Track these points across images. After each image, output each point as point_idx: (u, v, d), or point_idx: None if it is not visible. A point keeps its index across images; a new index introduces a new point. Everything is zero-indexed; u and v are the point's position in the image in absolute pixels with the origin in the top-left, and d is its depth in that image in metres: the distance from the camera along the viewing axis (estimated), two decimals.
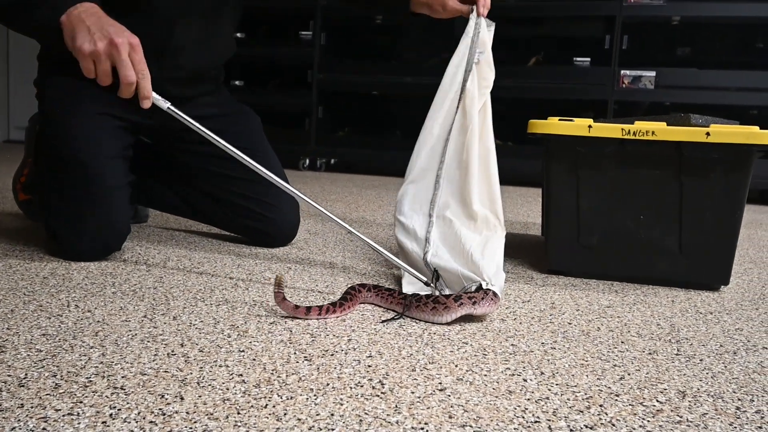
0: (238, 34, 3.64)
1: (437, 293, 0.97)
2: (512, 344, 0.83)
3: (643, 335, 0.89)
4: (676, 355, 0.82)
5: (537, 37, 3.41)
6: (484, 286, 0.94)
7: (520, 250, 1.49)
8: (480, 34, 1.11)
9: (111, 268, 1.14)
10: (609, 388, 0.70)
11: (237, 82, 3.72)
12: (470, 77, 1.09)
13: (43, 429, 0.55)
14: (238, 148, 1.11)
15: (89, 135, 1.16)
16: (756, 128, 1.13)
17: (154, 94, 0.98)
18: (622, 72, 2.97)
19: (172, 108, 1.00)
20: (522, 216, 2.15)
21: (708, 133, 1.13)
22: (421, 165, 1.13)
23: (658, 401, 0.66)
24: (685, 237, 1.18)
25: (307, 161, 3.57)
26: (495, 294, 0.92)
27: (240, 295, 1.00)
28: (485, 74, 1.10)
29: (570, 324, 0.93)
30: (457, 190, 1.10)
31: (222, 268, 1.18)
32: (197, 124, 1.03)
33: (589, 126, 1.19)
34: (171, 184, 1.43)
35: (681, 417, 0.63)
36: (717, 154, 1.13)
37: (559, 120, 1.22)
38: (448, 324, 0.89)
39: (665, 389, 0.70)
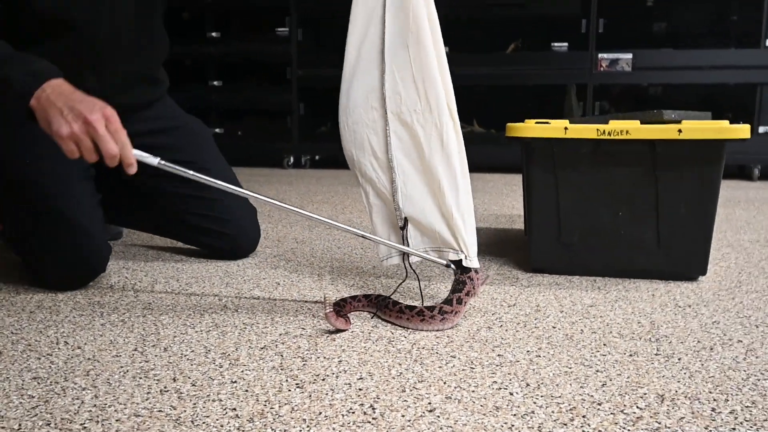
0: (213, 33, 3.63)
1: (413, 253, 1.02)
2: (499, 354, 0.86)
3: (625, 335, 0.93)
4: (656, 355, 0.85)
5: (515, 22, 3.43)
6: (464, 261, 1.00)
7: (505, 248, 1.52)
8: None
9: (98, 296, 1.15)
10: (591, 396, 0.73)
11: (215, 83, 3.71)
12: None
13: None
14: (193, 164, 1.16)
15: (50, 160, 1.17)
16: (725, 123, 1.16)
17: (139, 153, 0.99)
18: (600, 56, 3.01)
19: (163, 162, 1.00)
20: (507, 208, 2.18)
21: (680, 130, 1.16)
22: (355, 43, 1.00)
23: (638, 407, 0.70)
24: (663, 231, 1.22)
25: (292, 159, 3.58)
26: (476, 271, 1.00)
27: (230, 318, 1.02)
28: None
29: (554, 328, 0.96)
30: (411, 73, 0.96)
31: (211, 289, 1.20)
32: (186, 171, 1.02)
33: (565, 128, 1.21)
34: (130, 202, 1.45)
35: (659, 423, 0.66)
36: (689, 150, 1.17)
37: (536, 123, 1.25)
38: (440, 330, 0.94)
39: (645, 394, 0.73)
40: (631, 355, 0.85)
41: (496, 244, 1.57)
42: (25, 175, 1.17)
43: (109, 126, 0.97)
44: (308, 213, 1.04)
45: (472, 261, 1.01)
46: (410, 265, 1.07)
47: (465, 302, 0.97)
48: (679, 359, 0.83)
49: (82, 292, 1.18)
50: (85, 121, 0.95)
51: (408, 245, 1.03)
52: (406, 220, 1.01)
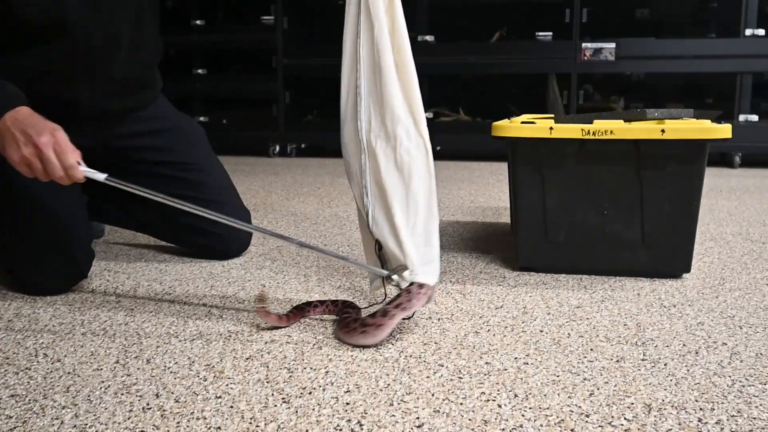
0: (198, 21, 3.58)
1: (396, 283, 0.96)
2: (486, 362, 0.85)
3: (611, 339, 0.92)
4: (642, 360, 0.85)
5: (500, 10, 3.41)
6: (408, 276, 0.94)
7: (492, 244, 1.51)
8: None
9: (79, 303, 1.13)
10: (579, 407, 0.72)
11: (199, 71, 3.65)
12: None
13: None
14: (186, 165, 1.29)
15: None
16: (707, 123, 1.16)
17: (86, 170, 1.00)
18: (584, 45, 3.00)
19: (111, 178, 1.00)
20: (493, 199, 2.18)
21: (663, 131, 1.16)
22: (345, 83, 1.01)
23: (625, 418, 0.69)
24: (647, 228, 1.22)
25: (278, 148, 3.55)
26: (420, 286, 0.93)
27: (214, 326, 1.01)
28: None
29: (542, 332, 0.96)
30: (377, 99, 0.97)
31: (195, 292, 1.18)
32: (138, 188, 1.01)
33: (551, 128, 1.20)
34: (115, 201, 1.43)
35: None
36: (672, 150, 1.16)
37: (522, 123, 1.24)
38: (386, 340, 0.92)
39: (632, 404, 0.73)
40: (618, 361, 0.85)
41: (483, 239, 1.57)
42: (10, 179, 1.15)
43: (57, 148, 0.98)
44: (289, 237, 1.04)
45: (415, 275, 0.94)
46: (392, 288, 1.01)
47: (393, 315, 0.90)
48: (665, 365, 0.83)
49: (62, 298, 1.16)
50: (34, 144, 0.98)
51: (387, 269, 0.99)
52: (378, 242, 0.98)
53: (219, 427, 0.70)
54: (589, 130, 1.19)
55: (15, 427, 0.71)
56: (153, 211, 1.41)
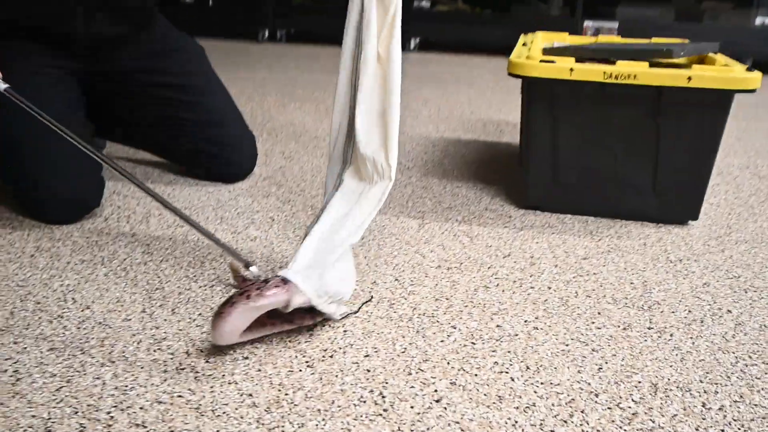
0: None
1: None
2: (498, 325, 0.89)
3: (618, 301, 0.96)
4: (648, 329, 0.89)
5: None
6: (279, 271, 0.81)
7: (496, 173, 1.51)
8: None
9: (95, 235, 1.14)
10: (589, 384, 0.77)
11: None
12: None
13: None
14: (186, 87, 1.33)
15: (40, 92, 1.14)
16: (738, 70, 1.13)
17: None
18: (585, 23, 2.92)
19: (10, 90, 0.96)
20: (494, 111, 2.15)
21: (690, 78, 1.13)
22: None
23: (633, 400, 0.74)
24: (659, 176, 1.22)
25: (266, 33, 3.43)
26: (284, 281, 0.78)
27: (229, 268, 1.03)
28: None
29: (550, 289, 0.99)
30: (346, 130, 0.97)
31: (205, 225, 1.19)
32: (32, 107, 0.95)
33: (571, 69, 1.17)
34: (121, 125, 1.41)
35: (654, 422, 0.70)
36: (697, 99, 1.14)
37: (540, 61, 1.20)
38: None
39: (639, 382, 0.77)
40: (625, 329, 0.88)
41: (486, 164, 1.57)
42: (12, 114, 1.13)
43: None
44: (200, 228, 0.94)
45: (286, 270, 0.81)
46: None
47: (233, 304, 0.76)
48: (671, 335, 0.87)
49: (78, 229, 1.17)
50: None
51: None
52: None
53: (251, 394, 0.73)
54: (611, 74, 1.17)
55: (61, 387, 0.74)
56: (157, 138, 1.40)
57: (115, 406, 0.71)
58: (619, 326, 0.89)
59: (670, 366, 0.81)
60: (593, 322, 0.90)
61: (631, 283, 1.01)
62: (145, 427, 0.68)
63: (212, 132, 1.38)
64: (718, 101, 1.15)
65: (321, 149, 1.68)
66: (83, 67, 1.27)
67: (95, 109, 1.32)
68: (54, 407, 0.71)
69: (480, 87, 2.53)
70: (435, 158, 1.64)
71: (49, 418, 0.69)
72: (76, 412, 0.70)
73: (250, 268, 0.88)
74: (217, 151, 1.39)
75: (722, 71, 1.15)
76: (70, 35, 1.22)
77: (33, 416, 0.69)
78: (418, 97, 2.38)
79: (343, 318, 0.89)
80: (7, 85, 0.96)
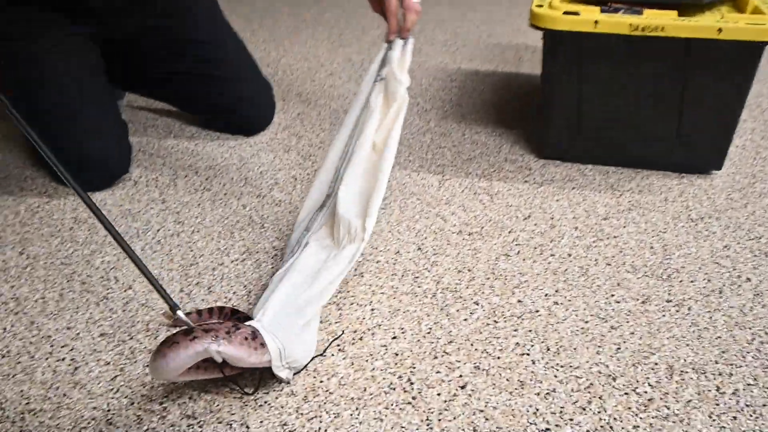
0: None
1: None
2: (519, 300, 0.92)
3: (637, 269, 0.98)
4: (667, 302, 0.92)
5: None
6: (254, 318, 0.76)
7: (515, 116, 1.49)
8: (388, 55, 1.02)
9: (128, 203, 1.18)
10: (607, 367, 0.81)
11: None
12: (374, 92, 1.00)
13: None
14: (201, 43, 1.33)
15: (60, 61, 1.17)
16: None
17: None
18: None
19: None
20: (510, 33, 2.08)
21: (720, 30, 1.09)
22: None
23: (649, 384, 0.78)
24: (684, 128, 1.21)
25: None
26: (253, 333, 0.72)
27: (258, 239, 1.07)
28: (393, 88, 0.99)
29: (570, 256, 1.02)
30: (321, 203, 0.99)
31: (231, 188, 1.22)
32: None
33: (596, 21, 1.14)
34: (141, 81, 1.42)
35: (669, 409, 0.75)
36: (726, 52, 1.11)
37: (564, 13, 1.16)
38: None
39: (656, 364, 0.81)
40: (643, 302, 0.91)
41: (505, 104, 1.55)
42: (37, 76, 1.16)
43: None
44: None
45: (259, 325, 0.74)
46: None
47: (194, 339, 0.67)
48: (689, 309, 0.90)
49: (110, 196, 1.20)
50: None
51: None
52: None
53: (288, 381, 0.79)
54: (638, 26, 1.13)
55: (115, 376, 0.80)
56: (175, 94, 1.41)
57: (166, 396, 0.77)
58: (637, 299, 0.92)
59: (687, 345, 0.84)
60: (612, 295, 0.93)
61: (651, 248, 1.03)
62: (195, 418, 0.74)
63: (229, 87, 1.38)
64: (749, 53, 1.11)
65: (336, 88, 1.66)
66: (100, 31, 1.26)
67: (114, 69, 1.32)
68: (112, 398, 0.77)
69: (497, 4, 2.44)
70: (453, 97, 1.62)
71: (109, 410, 0.75)
72: (132, 403, 0.76)
73: (178, 313, 0.70)
74: (235, 106, 1.39)
75: (755, 20, 1.10)
76: (84, 1, 1.20)
77: (94, 408, 0.76)
78: (434, 18, 2.31)
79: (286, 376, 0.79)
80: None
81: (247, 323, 0.74)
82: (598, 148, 1.27)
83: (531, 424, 0.73)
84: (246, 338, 0.71)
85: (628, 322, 0.88)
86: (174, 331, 0.71)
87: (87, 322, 0.89)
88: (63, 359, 0.83)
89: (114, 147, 1.22)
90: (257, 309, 0.79)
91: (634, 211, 1.13)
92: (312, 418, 0.74)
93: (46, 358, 0.83)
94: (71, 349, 0.84)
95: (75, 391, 0.78)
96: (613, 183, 1.22)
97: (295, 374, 0.79)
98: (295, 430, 0.72)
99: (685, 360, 0.82)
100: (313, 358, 0.82)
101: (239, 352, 0.69)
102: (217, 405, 0.76)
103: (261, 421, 0.73)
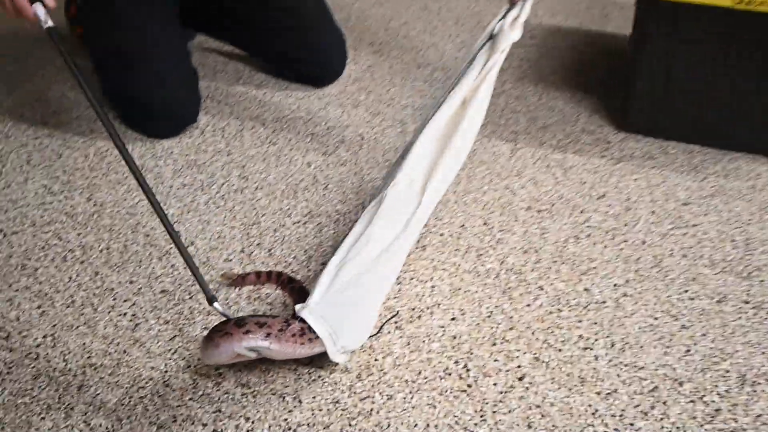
0: None
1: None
2: (585, 288, 0.88)
3: (716, 263, 0.92)
4: (745, 303, 0.86)
5: None
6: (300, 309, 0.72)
7: (596, 80, 1.40)
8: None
9: (194, 153, 1.17)
10: (674, 370, 0.76)
11: None
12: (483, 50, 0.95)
13: None
14: None
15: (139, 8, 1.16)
16: None
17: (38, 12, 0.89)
18: None
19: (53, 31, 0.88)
20: None
21: None
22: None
23: (717, 394, 0.74)
24: None
25: None
26: (302, 330, 0.70)
27: (322, 201, 1.05)
28: (498, 41, 0.95)
29: (644, 243, 0.96)
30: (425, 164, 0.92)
31: (296, 142, 1.20)
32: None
33: None
34: (213, 24, 1.40)
35: (736, 422, 0.70)
36: None
37: None
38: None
39: (727, 372, 0.76)
40: (719, 301, 0.86)
41: (587, 66, 1.45)
42: (111, 17, 1.17)
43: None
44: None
45: (305, 311, 0.72)
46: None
47: (249, 334, 0.68)
48: (767, 314, 0.84)
49: (177, 144, 1.20)
50: None
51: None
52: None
53: (348, 361, 0.78)
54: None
55: (174, 336, 0.81)
56: (248, 40, 1.39)
57: (227, 366, 0.77)
58: (713, 297, 0.86)
59: (762, 353, 0.79)
60: (686, 291, 0.88)
61: (733, 241, 0.96)
62: (249, 387, 0.74)
63: (302, 37, 1.34)
64: None
65: (411, 40, 1.60)
66: None
67: (189, 10, 1.30)
68: (169, 359, 0.78)
69: None
70: (531, 56, 1.53)
71: (166, 371, 0.76)
72: (189, 366, 0.77)
73: (214, 305, 0.72)
74: (307, 56, 1.35)
75: None
76: None
77: (152, 368, 0.77)
78: None
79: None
80: (52, 24, 0.90)
81: (299, 310, 0.72)
82: (685, 124, 1.18)
83: (588, 425, 0.70)
84: (294, 335, 0.70)
85: (700, 322, 0.83)
86: (226, 319, 0.71)
87: (149, 277, 0.90)
88: (125, 314, 0.84)
89: (184, 96, 1.21)
90: (318, 283, 0.77)
91: (717, 198, 1.05)
92: (364, 398, 0.73)
93: (108, 312, 0.84)
94: (133, 304, 0.85)
95: (134, 348, 0.79)
96: (697, 164, 1.14)
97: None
98: (347, 408, 0.72)
99: (759, 369, 0.76)
100: (370, 337, 0.80)
101: (288, 349, 0.69)
102: (272, 376, 0.76)
103: (314, 397, 0.73)
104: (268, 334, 0.68)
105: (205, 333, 0.71)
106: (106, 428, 0.70)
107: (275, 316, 0.72)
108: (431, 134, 0.92)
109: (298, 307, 0.73)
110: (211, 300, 0.71)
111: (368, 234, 0.82)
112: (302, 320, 0.71)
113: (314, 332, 0.71)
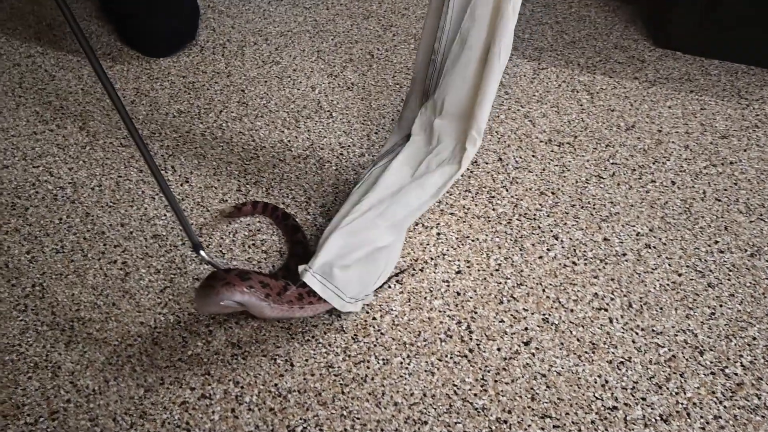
0: None
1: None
2: (605, 237, 0.80)
3: (752, 208, 0.82)
4: None
5: None
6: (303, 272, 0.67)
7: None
8: None
9: (192, 74, 1.08)
10: (696, 336, 0.69)
11: None
12: None
13: (187, 423, 0.64)
14: None
15: None
16: None
17: None
18: None
19: None
20: None
21: None
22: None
23: (741, 366, 0.67)
24: None
25: None
26: (300, 295, 0.66)
27: (324, 131, 0.96)
28: None
29: (673, 185, 0.86)
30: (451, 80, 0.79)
31: (301, 63, 1.09)
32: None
33: None
34: None
35: (759, 399, 0.64)
36: None
37: None
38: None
39: (754, 340, 0.69)
40: (752, 255, 0.77)
41: None
42: None
43: None
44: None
45: (307, 272, 0.67)
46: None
47: (246, 293, 0.62)
48: None
49: (174, 64, 1.10)
50: None
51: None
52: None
53: (339, 315, 0.72)
54: None
55: (165, 288, 0.76)
56: None
57: (212, 318, 0.72)
58: (745, 251, 0.78)
59: None
60: (716, 242, 0.79)
61: None
62: (240, 347, 0.70)
63: None
64: None
65: None
66: None
67: None
68: (159, 313, 0.73)
69: None
70: None
71: (155, 327, 0.72)
72: (179, 322, 0.72)
73: (201, 253, 0.72)
74: None
75: None
76: None
77: (141, 323, 0.72)
78: None
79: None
80: None
81: (302, 273, 0.66)
82: (731, 41, 1.03)
83: (597, 398, 0.64)
84: (291, 301, 0.65)
85: (729, 279, 0.74)
86: (228, 268, 0.65)
87: (141, 219, 0.84)
88: (115, 261, 0.79)
89: (180, 10, 1.10)
90: (325, 235, 0.71)
91: (760, 130, 0.94)
92: (359, 363, 0.68)
93: (99, 259, 0.79)
94: (123, 251, 0.80)
95: (124, 301, 0.74)
96: (741, 88, 1.01)
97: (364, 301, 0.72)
98: (340, 374, 0.67)
99: None
100: (383, 285, 0.74)
101: (286, 313, 0.65)
102: (263, 335, 0.71)
103: (306, 360, 0.68)
104: (268, 295, 0.63)
105: (197, 284, 0.65)
106: (93, 390, 0.66)
107: (274, 276, 0.66)
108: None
109: (300, 269, 0.67)
110: (197, 248, 0.69)
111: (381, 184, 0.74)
112: (302, 284, 0.65)
113: (313, 295, 0.66)
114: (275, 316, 0.65)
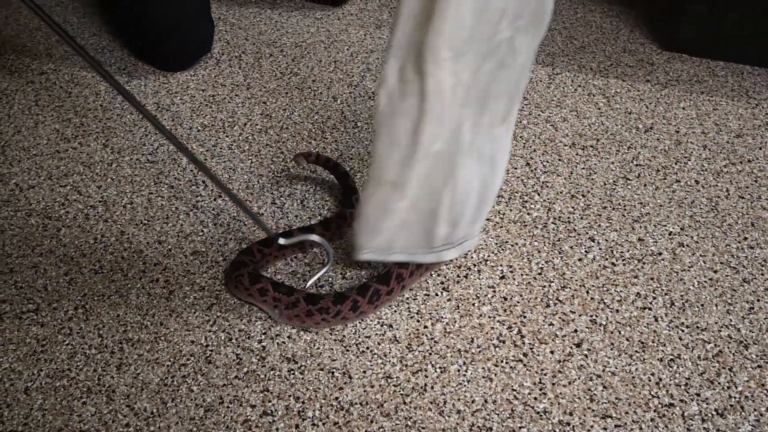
0: None
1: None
2: (639, 237, 0.80)
3: None
4: None
5: None
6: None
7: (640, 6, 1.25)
8: None
9: (211, 87, 1.06)
10: (739, 331, 0.70)
11: None
12: None
13: None
14: None
15: None
16: None
17: None
18: None
19: None
20: None
21: None
22: None
23: None
24: None
25: None
26: (316, 312, 0.68)
27: (351, 141, 0.95)
28: None
29: (698, 184, 0.87)
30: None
31: (319, 74, 1.08)
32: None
33: None
34: None
35: None
36: None
37: None
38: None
39: None
40: None
41: None
42: None
43: None
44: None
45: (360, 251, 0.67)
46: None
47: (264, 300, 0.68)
48: None
49: (192, 78, 1.08)
50: None
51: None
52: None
53: (390, 325, 0.71)
54: None
55: (212, 305, 0.74)
56: None
57: (264, 333, 0.71)
58: None
59: None
60: (745, 238, 0.79)
61: None
62: (296, 362, 0.68)
63: None
64: None
65: None
66: None
67: None
68: (209, 331, 0.71)
69: None
70: None
71: (207, 345, 0.70)
72: (230, 339, 0.70)
73: (280, 240, 0.71)
74: None
75: None
76: None
77: (192, 342, 0.70)
78: None
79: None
80: None
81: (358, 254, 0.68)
82: (736, 42, 1.05)
83: (654, 396, 0.64)
84: (298, 315, 0.69)
85: (762, 274, 0.75)
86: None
87: (178, 236, 0.82)
88: (157, 280, 0.77)
89: (195, 23, 1.08)
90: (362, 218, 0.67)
91: None
92: (417, 372, 0.67)
93: (140, 278, 0.77)
94: (164, 269, 0.78)
95: (171, 320, 0.72)
96: (749, 88, 1.02)
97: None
98: (399, 384, 0.66)
99: None
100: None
101: (292, 323, 0.70)
102: (318, 348, 0.69)
103: (364, 371, 0.67)
104: (276, 306, 0.69)
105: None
106: (151, 412, 0.64)
107: (296, 289, 0.69)
108: None
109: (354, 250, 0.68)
110: (275, 238, 0.71)
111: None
112: (313, 302, 0.67)
113: (325, 313, 0.68)
114: (284, 321, 0.69)
